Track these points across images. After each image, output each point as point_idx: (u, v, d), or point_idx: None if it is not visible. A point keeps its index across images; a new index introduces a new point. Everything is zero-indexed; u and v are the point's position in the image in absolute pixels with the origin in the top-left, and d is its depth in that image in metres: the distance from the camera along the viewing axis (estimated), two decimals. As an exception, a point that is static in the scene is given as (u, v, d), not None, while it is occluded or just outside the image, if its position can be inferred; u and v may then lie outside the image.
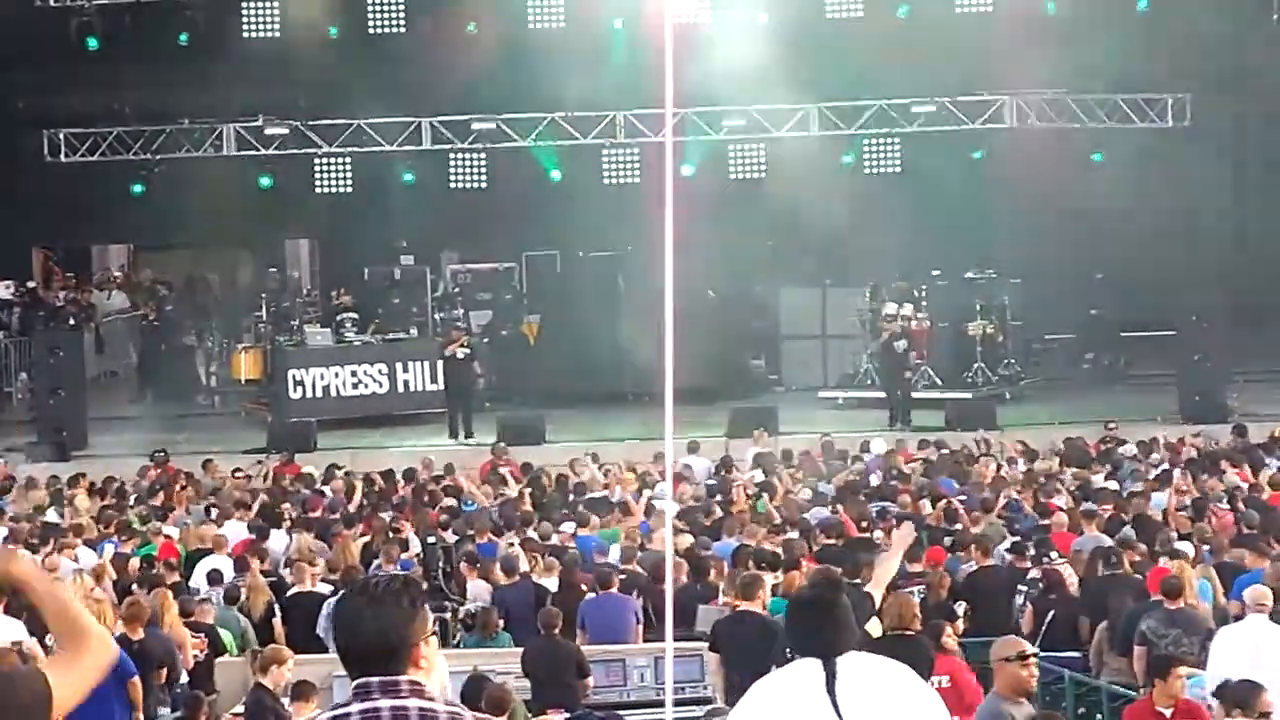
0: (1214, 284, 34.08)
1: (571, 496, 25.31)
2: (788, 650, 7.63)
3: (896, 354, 33.16)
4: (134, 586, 18.97)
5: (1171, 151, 35.60)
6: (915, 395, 33.69)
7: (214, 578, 20.04)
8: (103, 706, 15.11)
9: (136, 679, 15.39)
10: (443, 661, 5.51)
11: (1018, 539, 20.54)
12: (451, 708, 5.38)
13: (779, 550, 19.61)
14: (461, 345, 32.97)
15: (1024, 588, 18.38)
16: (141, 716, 15.48)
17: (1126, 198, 35.80)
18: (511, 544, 20.88)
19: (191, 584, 20.12)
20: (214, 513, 24.44)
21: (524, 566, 19.30)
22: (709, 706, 14.70)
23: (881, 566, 14.19)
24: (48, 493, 26.69)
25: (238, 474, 27.99)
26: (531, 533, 21.77)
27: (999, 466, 26.68)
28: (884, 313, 33.90)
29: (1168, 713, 12.19)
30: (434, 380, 33.62)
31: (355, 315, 35.60)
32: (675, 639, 16.85)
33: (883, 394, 33.58)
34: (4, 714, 4.98)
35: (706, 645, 15.99)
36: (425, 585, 19.32)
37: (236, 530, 22.94)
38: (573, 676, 15.86)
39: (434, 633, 5.47)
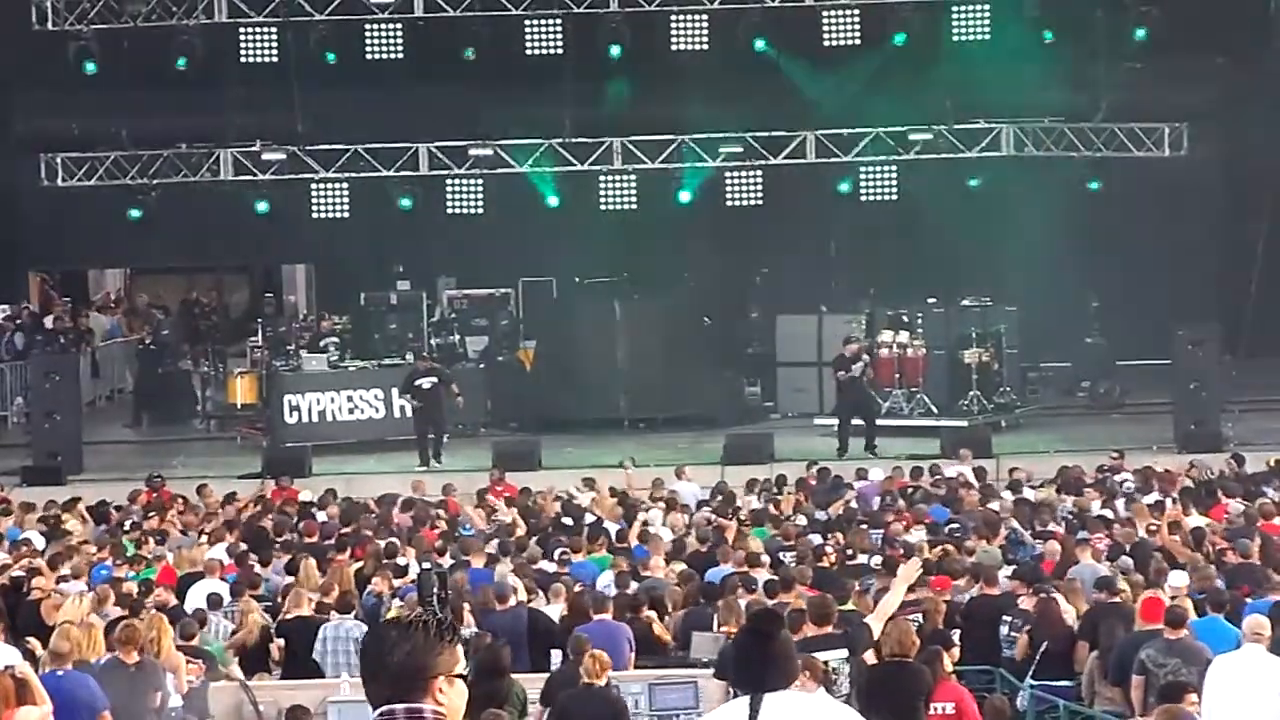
0: (1210, 313, 34.12)
1: (569, 522, 25.27)
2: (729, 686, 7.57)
3: (857, 380, 32.97)
4: (126, 610, 18.91)
5: (1168, 180, 35.68)
6: (911, 423, 33.67)
7: (214, 601, 20.00)
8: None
9: (108, 713, 15.33)
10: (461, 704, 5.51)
11: (1015, 566, 20.55)
12: None
13: (775, 577, 19.61)
14: (429, 375, 32.79)
15: (1008, 617, 18.38)
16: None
17: (1123, 226, 35.91)
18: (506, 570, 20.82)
19: (186, 607, 20.07)
20: (204, 537, 24.38)
21: (522, 594, 19.26)
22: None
23: (884, 599, 14.16)
24: (40, 517, 26.65)
25: (232, 499, 27.99)
26: (524, 558, 21.74)
27: (992, 496, 26.67)
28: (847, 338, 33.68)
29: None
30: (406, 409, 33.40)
31: (337, 340, 35.61)
32: (670, 666, 16.88)
33: (846, 424, 33.15)
34: None
35: (708, 672, 15.93)
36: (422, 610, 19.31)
37: (227, 555, 22.92)
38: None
39: (460, 676, 5.48)
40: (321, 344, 35.70)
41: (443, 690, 5.43)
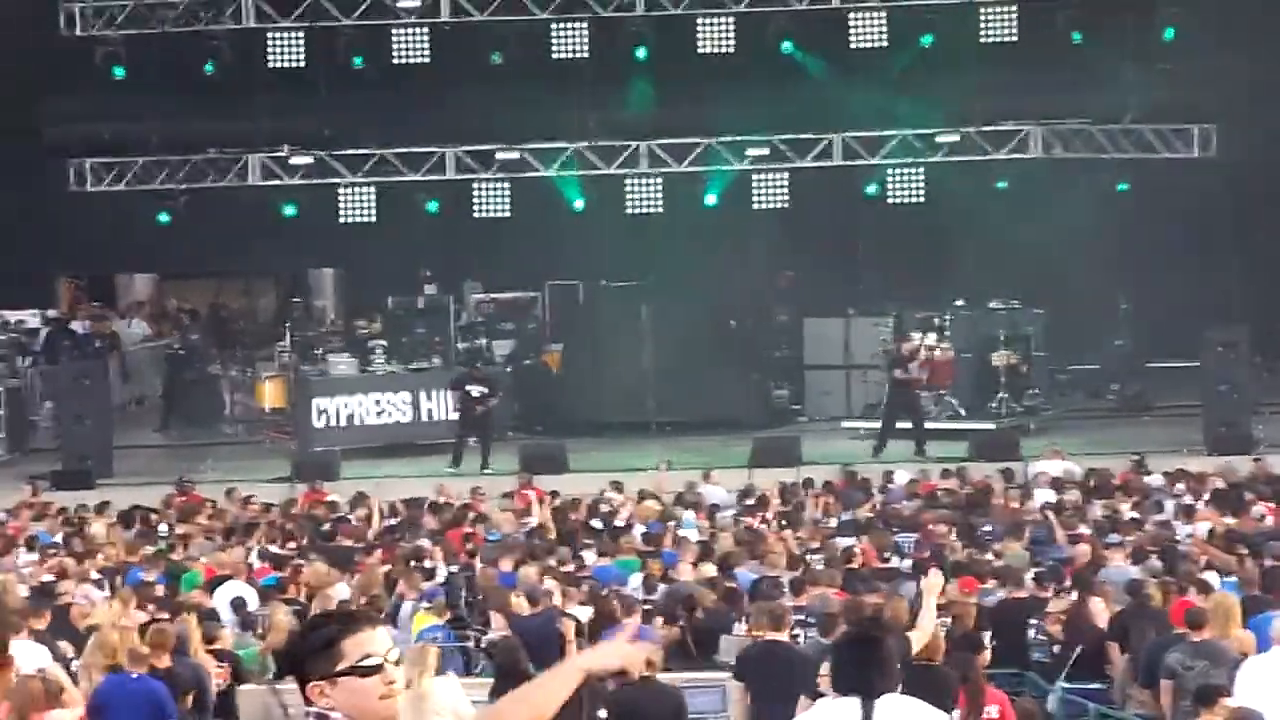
0: (1240, 314, 34.03)
1: (599, 524, 25.28)
2: (818, 685, 7.67)
3: (904, 383, 32.99)
4: (155, 614, 18.95)
5: (1197, 181, 35.57)
6: (940, 425, 33.64)
7: (237, 604, 20.03)
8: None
9: None
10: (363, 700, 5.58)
11: (1042, 569, 20.50)
12: None
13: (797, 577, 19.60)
14: (481, 385, 32.97)
15: (1035, 620, 18.35)
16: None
17: (1151, 227, 35.80)
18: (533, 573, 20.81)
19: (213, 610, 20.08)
20: (233, 539, 24.43)
21: (557, 598, 19.24)
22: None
23: (921, 615, 14.11)
24: (66, 519, 26.74)
25: (253, 502, 28.12)
26: (552, 561, 21.74)
27: (1021, 498, 26.65)
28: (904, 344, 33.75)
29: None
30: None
31: (385, 343, 35.68)
32: (697, 669, 16.86)
33: (892, 424, 33.22)
34: None
35: (731, 675, 15.91)
36: (449, 614, 19.34)
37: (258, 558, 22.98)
38: None
39: (355, 670, 5.55)
40: (368, 344, 35.68)
41: (326, 694, 5.56)
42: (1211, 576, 19.15)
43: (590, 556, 22.25)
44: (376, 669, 5.59)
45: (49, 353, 37.61)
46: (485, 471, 31.83)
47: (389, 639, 5.70)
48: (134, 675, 15.37)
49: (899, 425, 32.84)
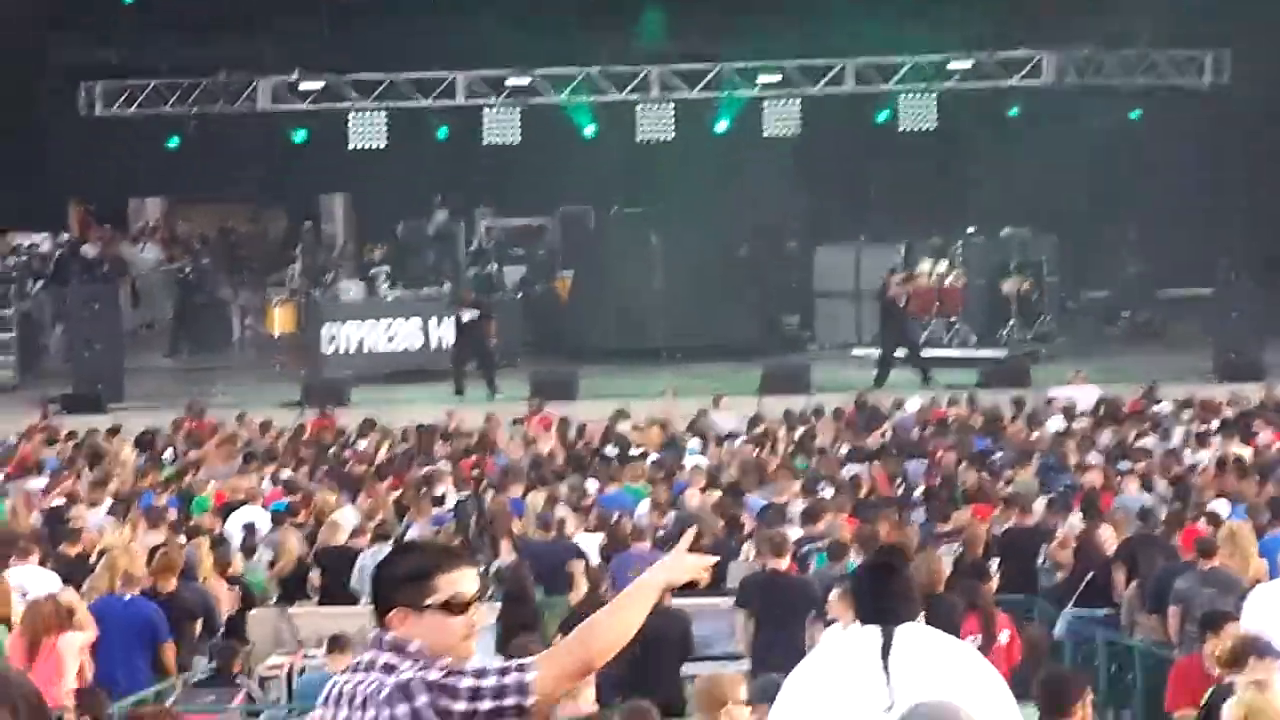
0: (1251, 242, 33.96)
1: (613, 450, 25.30)
2: (826, 611, 7.70)
3: (896, 313, 32.89)
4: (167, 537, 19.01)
5: (1209, 108, 35.44)
6: (950, 353, 33.62)
7: (249, 530, 20.11)
8: (130, 666, 15.23)
9: (170, 643, 15.46)
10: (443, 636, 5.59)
11: (1052, 496, 20.54)
12: (416, 675, 5.44)
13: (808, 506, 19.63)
14: (469, 307, 32.83)
15: (1045, 546, 18.41)
16: (175, 677, 15.54)
17: (1163, 155, 35.69)
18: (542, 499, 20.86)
19: (225, 536, 20.16)
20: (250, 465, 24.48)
21: (570, 525, 19.28)
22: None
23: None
24: (79, 443, 26.78)
25: (273, 430, 28.12)
26: (563, 488, 21.78)
27: (1034, 425, 26.66)
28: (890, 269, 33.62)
29: (1218, 671, 12.13)
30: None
31: (388, 269, 35.66)
32: (705, 595, 16.89)
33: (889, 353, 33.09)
34: None
35: (734, 602, 15.95)
36: (459, 540, 19.38)
37: (271, 482, 23.05)
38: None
39: (445, 606, 5.56)
40: (370, 273, 35.68)
41: (408, 622, 5.56)
42: (1221, 505, 19.16)
43: (592, 485, 22.21)
44: (465, 608, 5.62)
45: (59, 276, 37.61)
46: (497, 397, 31.80)
47: (477, 580, 5.72)
48: (125, 597, 15.44)
49: (897, 355, 32.77)
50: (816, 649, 7.75)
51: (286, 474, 23.54)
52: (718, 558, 7.05)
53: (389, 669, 5.51)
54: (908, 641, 7.27)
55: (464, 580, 5.63)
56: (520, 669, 5.39)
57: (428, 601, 5.56)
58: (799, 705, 7.33)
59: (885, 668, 7.18)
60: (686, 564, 5.76)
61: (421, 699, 5.38)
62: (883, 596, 7.45)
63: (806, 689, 7.36)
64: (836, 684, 7.26)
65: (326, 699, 5.57)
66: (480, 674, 5.41)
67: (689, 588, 5.89)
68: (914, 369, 32.45)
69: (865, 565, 8.43)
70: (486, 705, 5.35)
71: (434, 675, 5.42)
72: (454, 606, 5.58)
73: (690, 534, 5.97)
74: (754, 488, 21.50)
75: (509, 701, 5.35)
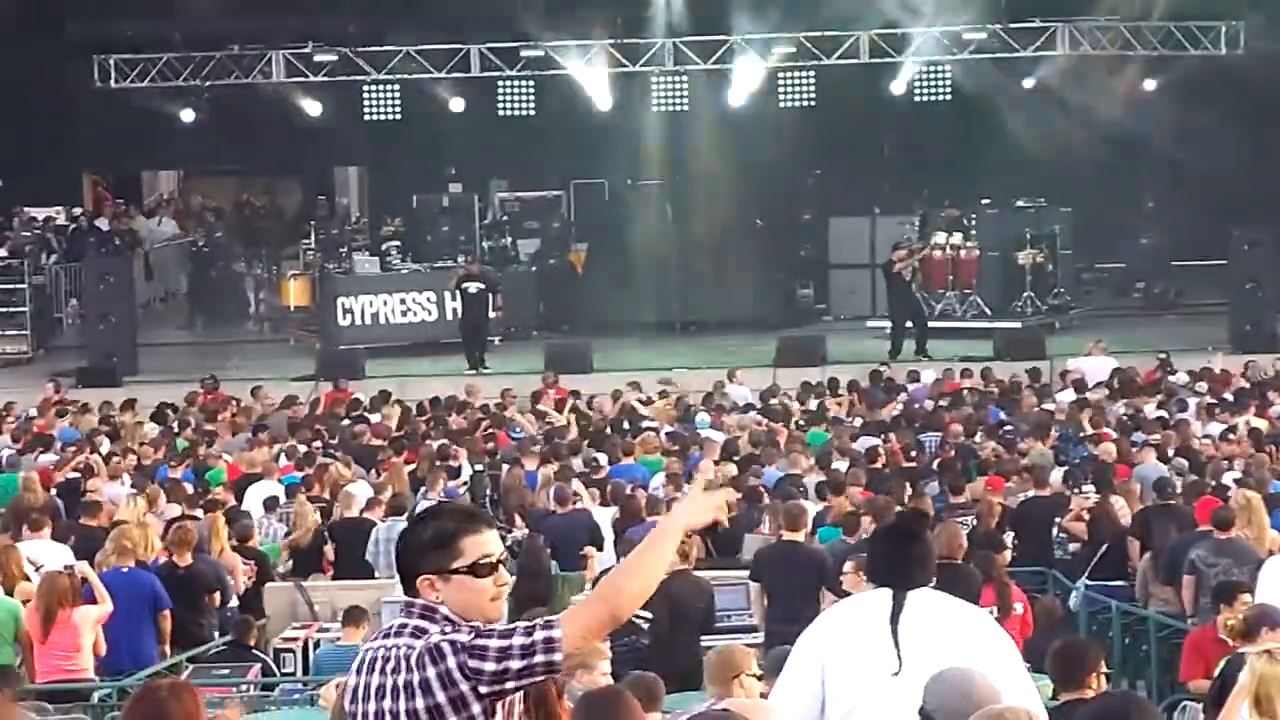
0: (1267, 213, 33.86)
1: (626, 424, 25.32)
2: (840, 583, 7.71)
3: (901, 285, 32.82)
4: (183, 511, 19.06)
5: (1224, 79, 35.31)
6: (965, 324, 33.57)
7: (270, 504, 20.15)
8: (138, 636, 15.31)
9: (168, 612, 15.53)
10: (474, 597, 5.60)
11: (1067, 468, 20.55)
12: (441, 638, 5.52)
13: (825, 480, 19.65)
14: (476, 281, 32.78)
15: (1059, 519, 18.40)
16: (168, 649, 15.62)
17: (1179, 125, 35.56)
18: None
19: (242, 509, 20.19)
20: (263, 438, 24.52)
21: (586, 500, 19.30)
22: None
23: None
24: (101, 418, 26.83)
25: (293, 402, 28.17)
26: (575, 462, 21.79)
27: (1046, 397, 26.65)
28: (894, 244, 33.55)
29: (1231, 641, 12.14)
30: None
31: (399, 243, 35.59)
32: (720, 568, 16.92)
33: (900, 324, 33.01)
34: None
35: (749, 574, 15.97)
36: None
37: (285, 456, 23.08)
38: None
39: (469, 570, 5.59)
40: (382, 247, 35.65)
41: (436, 588, 5.62)
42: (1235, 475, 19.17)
43: (603, 458, 22.19)
44: (492, 569, 5.63)
45: (74, 250, 37.64)
46: (483, 371, 31.71)
47: (500, 541, 5.73)
48: (124, 569, 15.50)
49: (907, 326, 32.73)
50: (826, 612, 7.74)
51: (301, 448, 23.57)
52: (738, 494, 7.08)
53: (419, 633, 5.57)
54: (919, 606, 7.27)
55: (489, 542, 5.68)
56: (548, 625, 5.45)
57: (454, 565, 5.62)
58: (808, 667, 7.33)
59: (894, 632, 7.19)
60: (704, 503, 5.75)
61: (451, 660, 5.44)
62: (898, 560, 7.45)
63: (815, 650, 7.36)
64: (845, 646, 7.27)
65: (359, 667, 5.62)
66: (508, 634, 5.47)
67: (710, 530, 5.87)
68: (915, 340, 32.39)
69: (883, 528, 8.42)
70: (516, 664, 5.41)
71: (463, 637, 5.47)
72: (480, 568, 5.62)
73: (702, 476, 5.98)
74: (770, 460, 21.52)
75: (538, 659, 5.41)
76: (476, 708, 5.46)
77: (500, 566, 5.68)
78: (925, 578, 7.43)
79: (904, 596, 7.27)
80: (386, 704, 5.50)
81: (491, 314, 33.02)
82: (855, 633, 7.29)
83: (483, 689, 5.44)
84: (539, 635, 5.42)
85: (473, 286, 32.57)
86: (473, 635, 5.49)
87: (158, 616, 15.50)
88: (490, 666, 5.41)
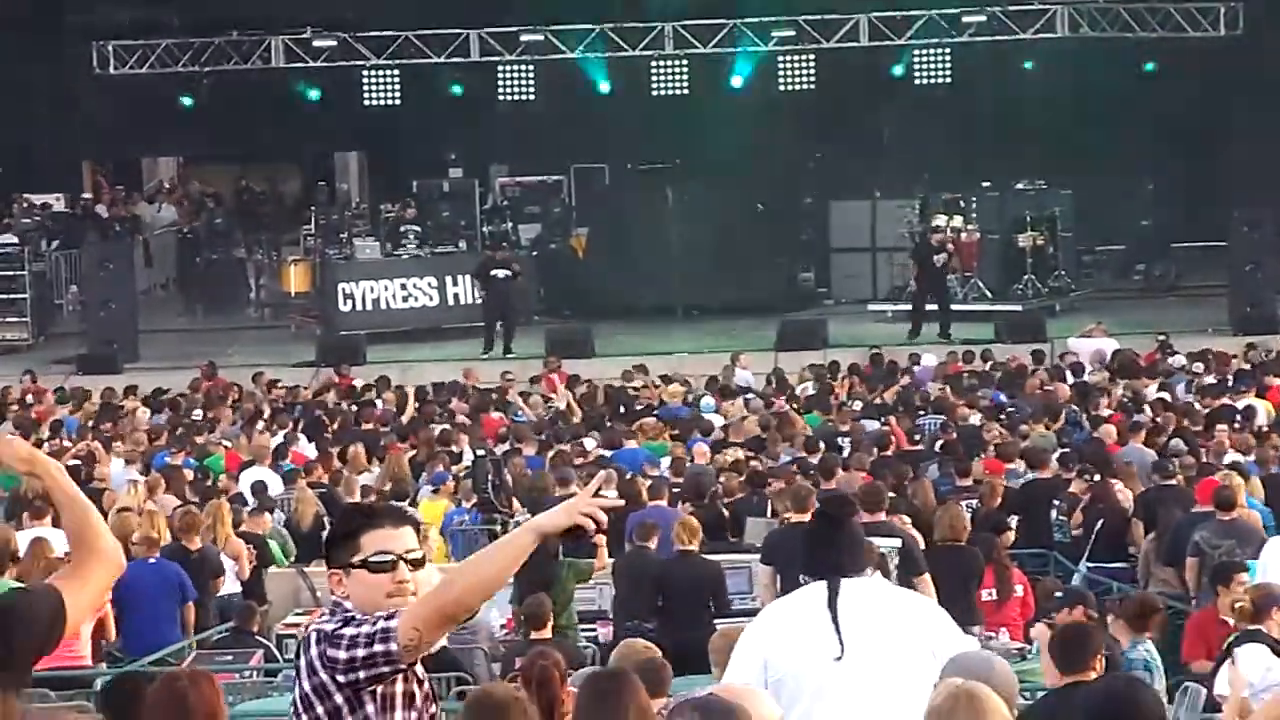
0: (1267, 195, 33.84)
1: (623, 410, 25.33)
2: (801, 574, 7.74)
3: (935, 268, 32.85)
4: (186, 497, 19.07)
5: (1224, 61, 35.28)
6: (966, 307, 33.55)
7: (257, 489, 20.07)
8: (161, 626, 15.31)
9: (192, 604, 15.56)
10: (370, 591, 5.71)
11: (1067, 450, 20.54)
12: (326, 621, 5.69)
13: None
14: (504, 268, 32.79)
15: (1058, 501, 18.41)
16: (192, 638, 15.63)
17: (1178, 107, 35.55)
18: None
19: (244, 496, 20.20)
20: (260, 424, 24.50)
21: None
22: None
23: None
24: (101, 406, 26.83)
25: (279, 386, 28.21)
26: (567, 447, 21.77)
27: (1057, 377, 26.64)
28: (933, 225, 33.62)
29: (1232, 622, 12.16)
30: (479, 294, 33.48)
31: (418, 228, 35.47)
32: (724, 551, 16.91)
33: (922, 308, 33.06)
34: (19, 629, 5.08)
35: (759, 557, 15.92)
36: (475, 498, 19.43)
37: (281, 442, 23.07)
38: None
39: (355, 564, 5.72)
40: (401, 229, 35.46)
41: (342, 583, 5.76)
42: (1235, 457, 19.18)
43: (590, 443, 22.17)
44: (388, 566, 5.66)
45: (73, 237, 37.61)
46: (509, 355, 31.81)
47: (414, 539, 5.75)
48: (150, 560, 15.50)
49: (929, 308, 32.77)
50: (766, 607, 7.77)
51: (301, 433, 23.57)
52: (623, 502, 7.05)
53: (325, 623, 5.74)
54: (855, 592, 7.29)
55: (390, 539, 5.73)
56: (388, 618, 5.55)
57: (353, 560, 5.71)
58: (748, 662, 7.37)
59: (834, 618, 7.22)
60: (567, 507, 5.73)
61: (314, 650, 5.62)
62: (826, 549, 7.45)
63: (756, 645, 7.41)
64: (786, 637, 7.31)
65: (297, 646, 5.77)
66: (359, 624, 5.58)
67: (570, 535, 5.81)
68: (940, 324, 32.42)
69: (812, 519, 8.37)
70: (362, 652, 5.52)
71: (329, 626, 5.63)
72: (375, 565, 5.66)
73: (596, 481, 5.93)
74: (777, 444, 21.53)
75: (378, 649, 5.52)
76: (339, 697, 5.59)
77: (401, 564, 5.68)
78: (855, 565, 7.41)
79: (838, 583, 7.28)
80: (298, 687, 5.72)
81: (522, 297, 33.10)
82: (795, 623, 7.34)
83: (340, 678, 5.56)
84: (379, 625, 5.54)
85: (501, 273, 32.58)
86: (338, 624, 5.61)
87: (183, 608, 15.53)
88: (342, 655, 5.55)
